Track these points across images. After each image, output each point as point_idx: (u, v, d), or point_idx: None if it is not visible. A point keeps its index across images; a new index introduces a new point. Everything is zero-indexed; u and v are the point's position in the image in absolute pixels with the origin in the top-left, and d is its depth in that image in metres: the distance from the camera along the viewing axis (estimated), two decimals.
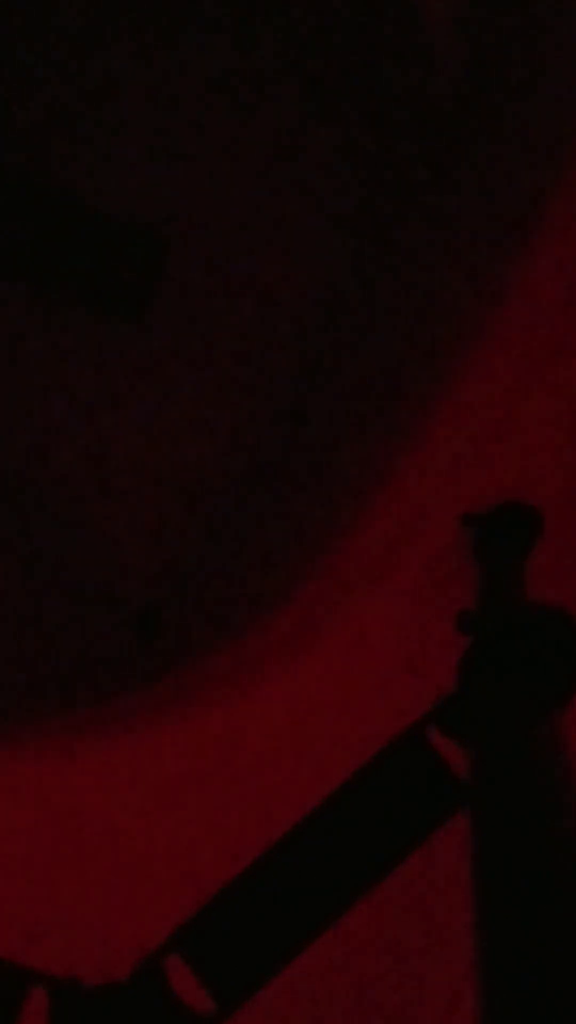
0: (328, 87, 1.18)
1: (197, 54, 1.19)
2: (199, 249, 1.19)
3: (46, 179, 1.17)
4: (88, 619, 1.15)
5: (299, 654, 0.97)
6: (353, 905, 0.81)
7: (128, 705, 0.99)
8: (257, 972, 0.80)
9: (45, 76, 1.18)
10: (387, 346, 1.12)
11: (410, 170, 1.15)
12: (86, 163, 1.18)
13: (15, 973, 0.79)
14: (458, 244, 1.08)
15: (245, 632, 1.03)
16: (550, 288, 0.99)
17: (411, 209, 1.14)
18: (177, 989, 0.80)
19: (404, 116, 1.15)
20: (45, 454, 1.18)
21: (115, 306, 1.18)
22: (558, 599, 0.84)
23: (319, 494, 1.11)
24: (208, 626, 1.09)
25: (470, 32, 1.09)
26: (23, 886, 0.87)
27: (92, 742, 0.95)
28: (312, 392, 1.17)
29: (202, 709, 0.96)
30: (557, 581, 0.89)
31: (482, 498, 0.95)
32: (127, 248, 1.17)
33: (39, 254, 1.16)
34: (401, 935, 0.83)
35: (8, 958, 0.80)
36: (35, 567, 1.16)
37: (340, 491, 1.09)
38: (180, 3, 1.18)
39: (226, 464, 1.19)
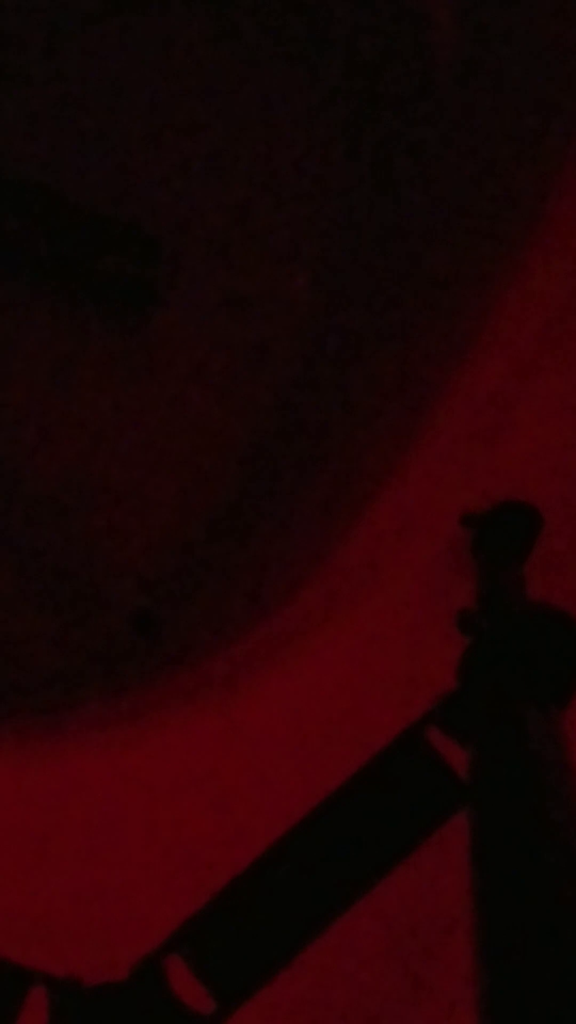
0: (328, 88, 1.18)
1: (197, 55, 1.19)
2: (198, 248, 1.19)
3: (45, 180, 1.17)
4: (87, 620, 1.15)
5: (298, 655, 0.97)
6: (353, 905, 0.81)
7: (128, 705, 0.99)
8: (257, 972, 0.80)
9: (44, 77, 1.18)
10: (387, 347, 1.12)
11: (411, 170, 1.15)
12: (86, 164, 1.18)
13: (15, 973, 0.79)
14: (459, 244, 1.08)
15: (245, 633, 1.03)
16: (550, 290, 0.99)
17: (412, 208, 1.14)
18: (177, 989, 0.80)
19: (404, 115, 1.15)
20: (44, 455, 1.18)
21: (114, 305, 1.18)
22: (558, 599, 0.84)
23: (317, 495, 1.11)
24: (207, 627, 1.09)
25: (469, 28, 1.09)
26: (23, 886, 0.87)
27: (91, 742, 0.95)
28: (312, 392, 1.17)
29: (201, 709, 0.96)
30: (557, 581, 0.89)
31: (482, 498, 0.95)
32: (126, 248, 1.17)
33: (39, 254, 1.16)
34: (401, 935, 0.83)
35: (8, 958, 0.80)
36: (35, 568, 1.16)
37: (339, 492, 1.09)
38: (181, 4, 1.18)
39: (225, 465, 1.19)
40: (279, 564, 1.09)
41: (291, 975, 0.81)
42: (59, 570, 1.16)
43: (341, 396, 1.15)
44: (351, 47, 1.15)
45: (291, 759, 0.91)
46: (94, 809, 0.90)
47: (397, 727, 0.86)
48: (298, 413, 1.17)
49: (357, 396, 1.13)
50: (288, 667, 0.96)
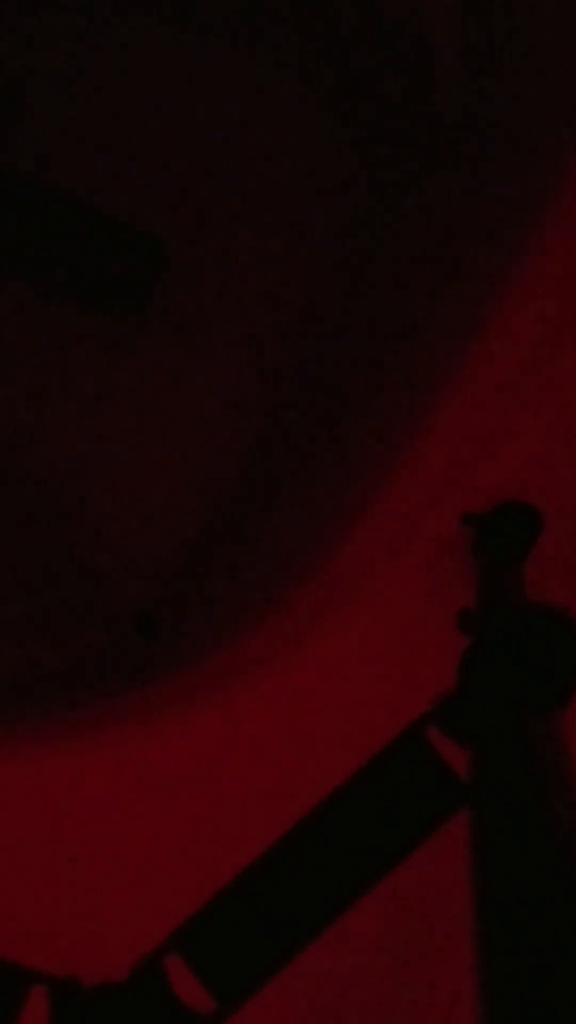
0: (329, 90, 1.18)
1: (200, 57, 1.19)
2: (199, 247, 1.19)
3: (49, 180, 1.17)
4: (88, 619, 1.15)
5: (298, 654, 0.97)
6: (353, 904, 0.81)
7: (128, 705, 0.99)
8: (257, 972, 0.80)
9: (47, 78, 1.18)
10: (387, 348, 1.12)
11: (412, 172, 1.15)
12: (88, 164, 1.18)
13: (15, 973, 0.79)
14: (459, 246, 1.08)
15: (244, 632, 1.03)
16: (551, 290, 0.99)
17: (412, 209, 1.14)
18: (177, 989, 0.80)
19: (407, 118, 1.16)
20: (45, 454, 1.18)
21: (116, 304, 1.18)
22: (558, 599, 0.84)
23: (317, 495, 1.11)
24: (207, 627, 1.09)
25: (470, 38, 1.09)
26: (23, 886, 0.87)
27: (92, 741, 0.95)
28: (312, 392, 1.17)
29: (201, 709, 0.96)
30: (557, 581, 0.89)
31: (482, 498, 0.95)
32: (128, 246, 1.17)
33: (42, 253, 1.16)
34: (401, 934, 0.83)
35: (8, 958, 0.80)
36: (35, 567, 1.16)
37: (339, 492, 1.09)
38: (183, 5, 1.18)
39: (225, 465, 1.19)
40: (279, 564, 1.09)
41: (291, 975, 0.81)
42: (59, 570, 1.16)
43: (341, 396, 1.15)
44: (351, 52, 1.15)
45: (291, 759, 0.91)
46: (94, 809, 0.90)
47: (397, 727, 0.86)
48: (298, 413, 1.17)
49: (357, 396, 1.13)
50: (287, 667, 0.96)
